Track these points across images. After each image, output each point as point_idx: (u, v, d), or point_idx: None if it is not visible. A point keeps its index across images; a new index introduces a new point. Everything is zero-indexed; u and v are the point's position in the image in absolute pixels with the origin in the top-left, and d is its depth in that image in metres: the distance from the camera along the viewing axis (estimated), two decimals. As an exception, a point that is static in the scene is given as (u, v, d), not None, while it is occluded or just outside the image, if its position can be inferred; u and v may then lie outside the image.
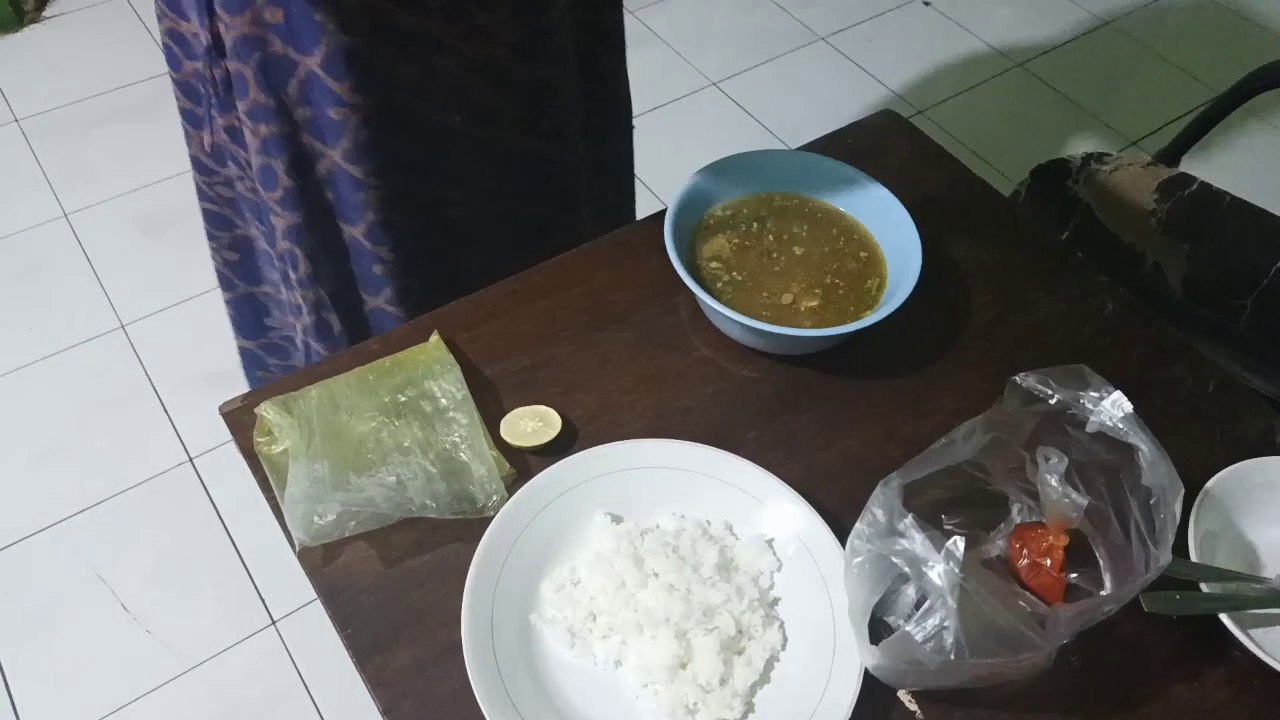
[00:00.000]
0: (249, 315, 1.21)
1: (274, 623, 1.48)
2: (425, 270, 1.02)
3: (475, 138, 0.94)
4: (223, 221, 1.10)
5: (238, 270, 1.15)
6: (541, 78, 0.95)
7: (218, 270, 1.17)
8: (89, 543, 1.55)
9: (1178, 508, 0.64)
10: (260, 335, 1.23)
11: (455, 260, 1.04)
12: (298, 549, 0.72)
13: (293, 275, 1.00)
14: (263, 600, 1.50)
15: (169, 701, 1.40)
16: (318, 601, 0.72)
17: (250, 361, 1.29)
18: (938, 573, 0.59)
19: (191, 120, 1.01)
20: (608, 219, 1.14)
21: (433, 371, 0.80)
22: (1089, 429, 0.67)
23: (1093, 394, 0.67)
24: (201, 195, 1.08)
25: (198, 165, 1.05)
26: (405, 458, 0.74)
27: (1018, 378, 0.68)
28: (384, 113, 0.88)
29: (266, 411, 0.76)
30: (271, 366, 1.27)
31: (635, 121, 1.18)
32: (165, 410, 1.71)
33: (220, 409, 0.80)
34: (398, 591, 0.71)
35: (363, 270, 1.00)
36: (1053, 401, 0.68)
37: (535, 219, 1.05)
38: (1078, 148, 1.48)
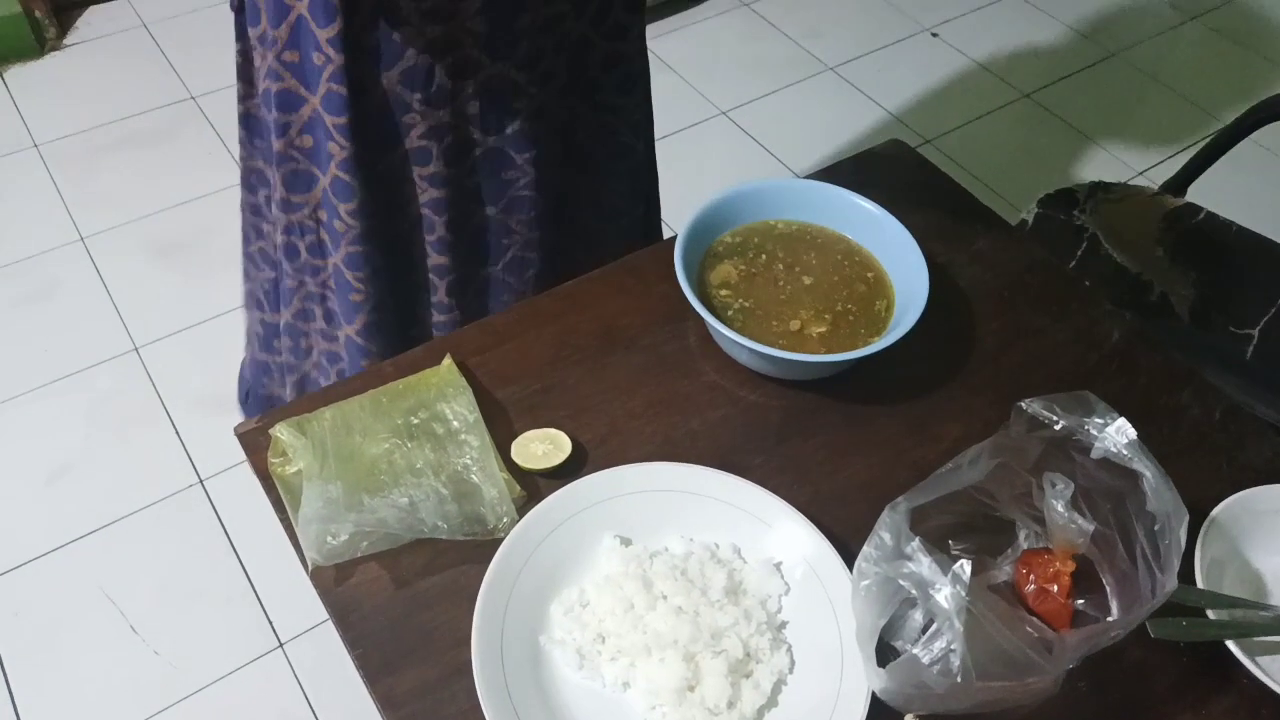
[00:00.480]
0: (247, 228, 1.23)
1: (281, 645, 1.48)
2: (382, 249, 1.02)
3: (433, 120, 0.95)
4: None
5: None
6: (510, 78, 0.95)
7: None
8: (99, 563, 1.56)
9: (1183, 534, 0.64)
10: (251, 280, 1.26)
11: (407, 247, 1.05)
12: (310, 569, 0.72)
13: (274, 197, 1.04)
14: (270, 623, 1.51)
15: (176, 723, 1.40)
16: (325, 624, 0.73)
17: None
18: (944, 595, 0.60)
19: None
20: (595, 245, 1.15)
21: (445, 394, 0.81)
22: (1094, 455, 0.68)
23: (1097, 420, 0.68)
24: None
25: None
26: (417, 479, 0.75)
27: (1023, 403, 0.69)
28: (351, 74, 0.90)
29: (281, 433, 0.77)
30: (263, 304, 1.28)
31: (645, 149, 1.19)
32: (177, 432, 1.72)
33: (235, 430, 0.81)
34: (408, 612, 0.72)
35: (329, 219, 1.02)
36: (1058, 427, 0.68)
37: (483, 225, 1.06)
38: (1084, 177, 1.49)
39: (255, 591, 1.54)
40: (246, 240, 1.22)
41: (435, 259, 1.06)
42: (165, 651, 1.47)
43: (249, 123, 1.08)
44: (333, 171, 0.96)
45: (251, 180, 1.14)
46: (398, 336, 1.09)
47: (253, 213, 1.17)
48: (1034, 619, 0.70)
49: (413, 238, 1.04)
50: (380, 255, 1.03)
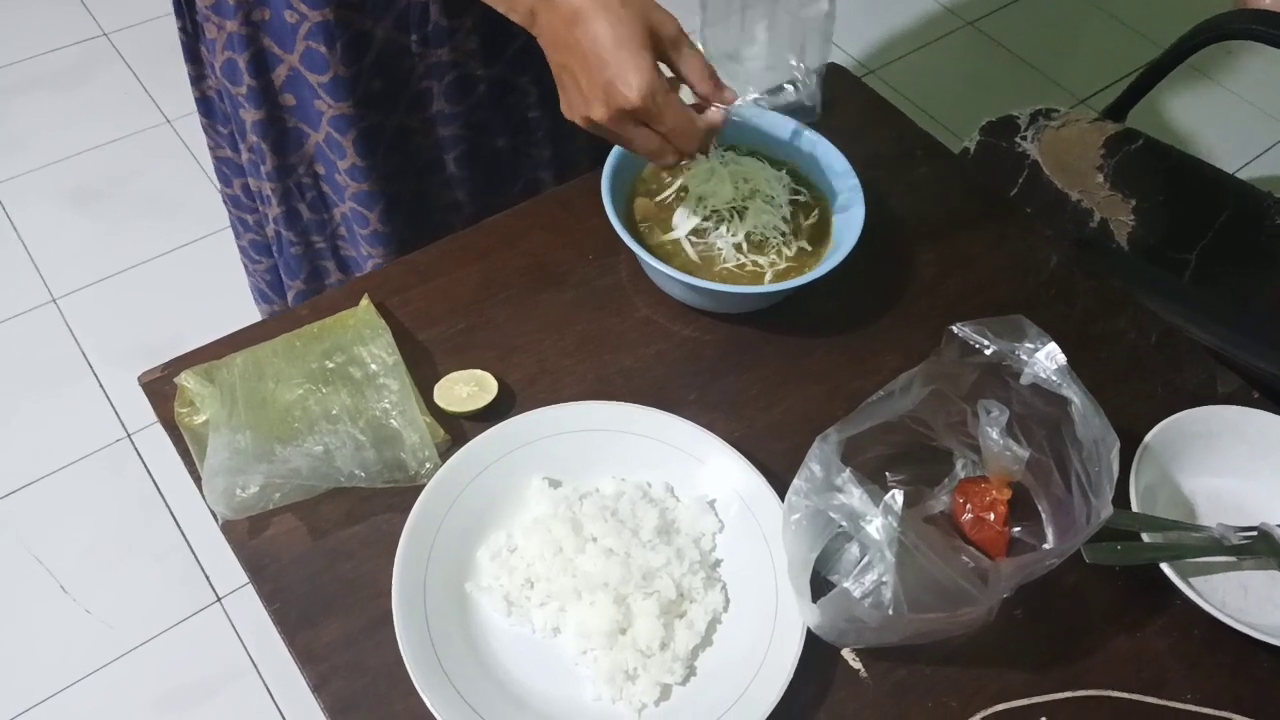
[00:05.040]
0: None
1: (219, 599, 1.45)
2: (395, 186, 0.98)
3: (432, 60, 0.90)
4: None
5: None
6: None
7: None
8: (24, 523, 1.50)
9: (1113, 459, 0.63)
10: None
11: (422, 189, 1.00)
12: (220, 522, 0.69)
13: (262, 168, 0.98)
14: (207, 577, 1.47)
15: (112, 683, 1.37)
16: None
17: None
18: (875, 527, 0.58)
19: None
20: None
21: (362, 336, 0.77)
22: (1023, 381, 0.66)
23: (1028, 345, 0.66)
24: None
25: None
26: (333, 426, 0.72)
27: (955, 327, 0.67)
28: (335, 27, 0.84)
29: (187, 381, 0.73)
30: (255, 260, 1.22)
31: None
32: (101, 385, 1.66)
33: (139, 379, 0.77)
34: (327, 563, 0.69)
35: (328, 172, 0.97)
36: (989, 352, 0.67)
37: (494, 150, 1.02)
38: (1027, 105, 1.48)
39: (190, 545, 1.50)
40: (236, 234, 1.16)
41: (452, 195, 1.02)
42: (97, 610, 1.43)
43: (207, 106, 1.01)
44: (325, 128, 0.91)
45: (225, 171, 1.07)
46: None
47: (234, 205, 1.11)
48: (970, 548, 0.69)
49: (426, 178, 0.99)
50: (392, 196, 0.98)
